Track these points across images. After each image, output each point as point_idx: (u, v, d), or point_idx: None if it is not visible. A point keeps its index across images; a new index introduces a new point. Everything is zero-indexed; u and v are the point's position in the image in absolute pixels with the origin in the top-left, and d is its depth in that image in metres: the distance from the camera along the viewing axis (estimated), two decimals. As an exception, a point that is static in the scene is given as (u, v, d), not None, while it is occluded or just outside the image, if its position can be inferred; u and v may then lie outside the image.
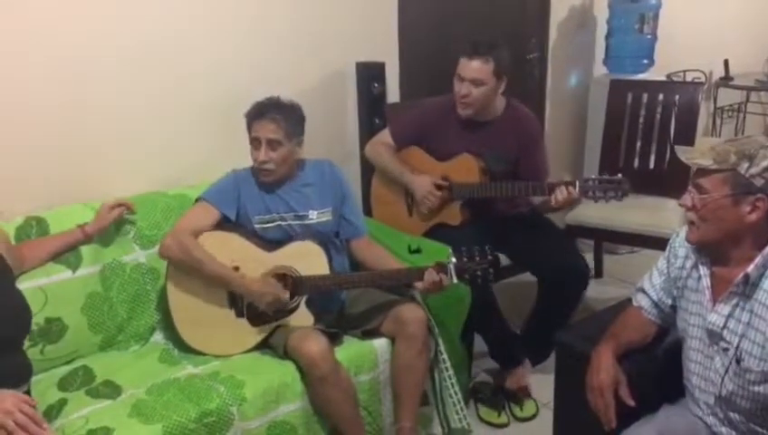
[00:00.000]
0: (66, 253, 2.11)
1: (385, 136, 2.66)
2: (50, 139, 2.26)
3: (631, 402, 1.59)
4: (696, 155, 1.47)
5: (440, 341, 2.22)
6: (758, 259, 1.43)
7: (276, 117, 2.12)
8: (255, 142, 2.14)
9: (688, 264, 1.61)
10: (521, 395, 2.59)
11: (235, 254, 2.10)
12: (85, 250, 2.14)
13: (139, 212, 2.26)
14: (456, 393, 2.25)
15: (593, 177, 2.32)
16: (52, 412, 1.84)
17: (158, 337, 2.25)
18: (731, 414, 1.53)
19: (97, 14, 2.27)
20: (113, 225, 2.20)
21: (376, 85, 2.83)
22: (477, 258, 2.06)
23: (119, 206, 2.18)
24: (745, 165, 1.39)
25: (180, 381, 1.95)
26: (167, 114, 2.49)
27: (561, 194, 2.29)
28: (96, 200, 2.23)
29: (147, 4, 2.37)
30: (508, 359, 2.65)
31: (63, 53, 2.23)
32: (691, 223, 1.51)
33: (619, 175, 2.28)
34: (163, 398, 1.87)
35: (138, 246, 2.24)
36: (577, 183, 2.29)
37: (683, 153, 1.50)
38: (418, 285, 2.08)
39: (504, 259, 2.58)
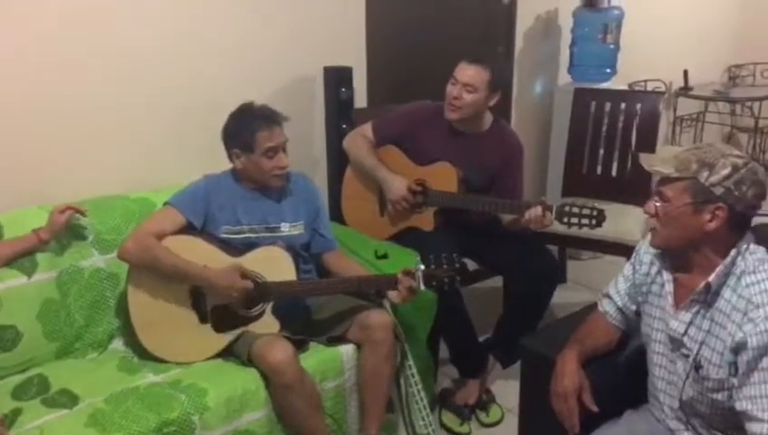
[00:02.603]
0: (21, 258, 2.04)
1: (366, 130, 2.63)
2: (4, 140, 2.19)
3: (594, 408, 1.60)
4: (658, 163, 1.49)
5: (407, 347, 2.21)
6: (719, 268, 1.45)
7: (281, 119, 2.12)
8: (271, 152, 2.09)
9: (653, 270, 1.63)
10: (486, 400, 2.60)
11: (199, 258, 2.05)
12: (41, 255, 2.07)
13: (98, 216, 2.20)
14: (421, 400, 2.25)
15: (570, 203, 2.29)
16: (6, 422, 1.77)
17: (118, 344, 2.19)
18: (693, 419, 1.55)
19: (61, 15, 2.22)
20: (71, 229, 2.14)
21: (344, 90, 2.82)
22: (445, 266, 2.06)
23: (68, 209, 2.10)
24: (705, 173, 1.41)
25: (140, 390, 1.90)
26: (129, 116, 2.44)
27: (534, 212, 2.28)
28: (54, 203, 2.16)
29: (112, 7, 2.33)
30: (467, 368, 2.65)
31: (23, 52, 2.17)
32: (653, 229, 1.53)
33: (594, 204, 2.27)
34: (122, 407, 1.82)
35: (96, 251, 2.19)
36: (554, 208, 2.28)
37: (645, 161, 1.51)
38: (393, 296, 2.07)
39: (472, 265, 2.59)
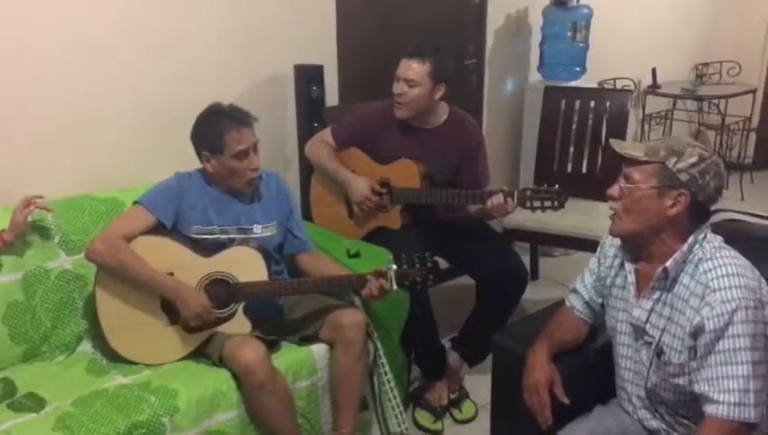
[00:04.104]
0: (-16, 260, 2.01)
1: (326, 135, 2.64)
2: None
3: (566, 400, 1.63)
4: (629, 147, 1.54)
5: (379, 345, 2.21)
6: (677, 254, 1.49)
7: (251, 120, 2.08)
8: (242, 154, 2.05)
9: (617, 262, 1.67)
10: (459, 397, 2.61)
11: (169, 259, 2.04)
12: (5, 256, 2.04)
13: (64, 216, 2.17)
14: (394, 398, 2.25)
15: (531, 187, 2.32)
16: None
17: (86, 347, 2.16)
18: (659, 407, 1.59)
19: (25, 16, 2.18)
20: (36, 230, 2.10)
21: (314, 88, 2.80)
22: (417, 265, 2.06)
23: (28, 205, 2.04)
24: (673, 159, 1.46)
25: (109, 392, 1.88)
26: (95, 114, 2.40)
27: (496, 200, 2.31)
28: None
29: (79, 4, 2.29)
30: (429, 369, 2.65)
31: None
32: (614, 214, 1.55)
33: (557, 186, 2.29)
34: (90, 410, 1.79)
35: (63, 252, 2.15)
36: (515, 194, 2.30)
37: (616, 144, 1.55)
38: (363, 292, 2.07)
39: (442, 263, 2.60)
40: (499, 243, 2.73)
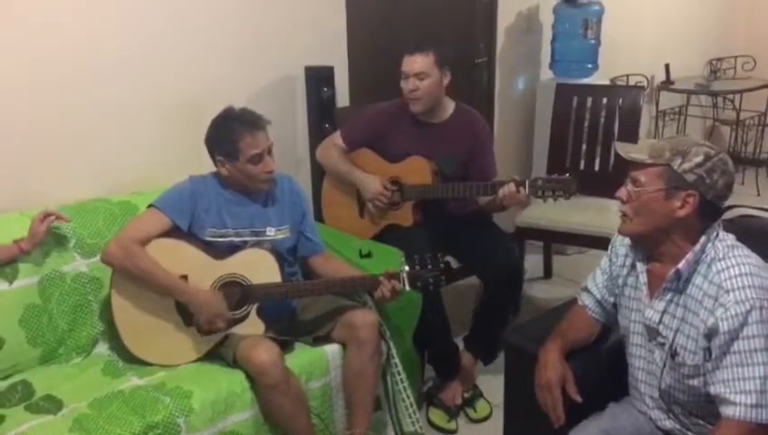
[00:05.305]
0: (1, 267, 2.02)
1: (336, 138, 2.66)
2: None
3: (578, 398, 1.62)
4: (633, 150, 1.52)
5: (392, 345, 2.21)
6: (689, 255, 1.47)
7: (264, 124, 2.10)
8: (257, 158, 2.06)
9: (628, 262, 1.65)
10: (473, 396, 2.61)
11: (183, 262, 2.05)
12: (22, 261, 2.06)
13: (80, 220, 2.19)
14: (408, 397, 2.25)
15: (542, 176, 2.34)
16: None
17: (102, 349, 2.18)
18: (673, 407, 1.58)
19: (40, 20, 2.21)
20: (52, 234, 2.12)
21: (325, 89, 2.82)
22: (429, 266, 2.06)
23: (47, 216, 2.06)
24: (678, 160, 1.44)
25: (124, 394, 1.90)
26: (110, 119, 2.42)
27: (507, 189, 2.32)
28: (34, 209, 2.13)
29: (93, 9, 2.31)
30: (442, 369, 2.65)
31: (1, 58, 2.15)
32: (624, 215, 1.54)
33: (567, 174, 2.30)
34: (106, 411, 1.81)
35: (78, 256, 2.17)
36: (527, 183, 2.31)
37: (621, 148, 1.54)
38: (376, 294, 2.07)
39: (454, 262, 2.61)
40: (497, 238, 2.70)
